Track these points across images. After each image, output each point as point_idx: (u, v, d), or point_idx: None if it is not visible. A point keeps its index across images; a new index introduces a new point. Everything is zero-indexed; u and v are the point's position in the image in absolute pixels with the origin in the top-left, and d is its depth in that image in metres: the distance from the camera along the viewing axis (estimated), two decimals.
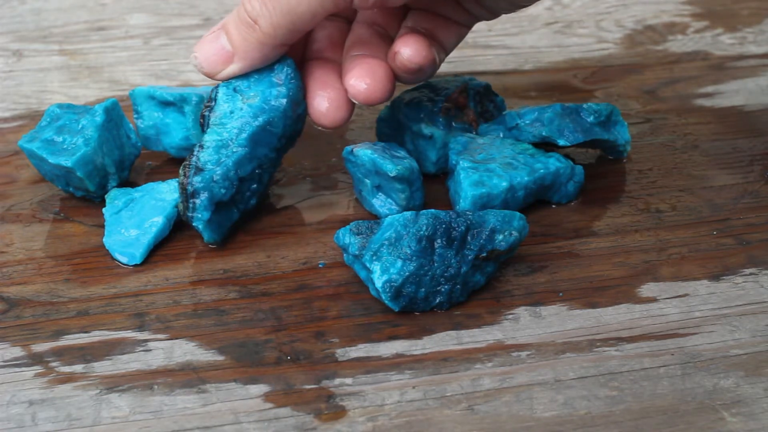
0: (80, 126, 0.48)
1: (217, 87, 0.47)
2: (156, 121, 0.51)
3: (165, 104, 0.51)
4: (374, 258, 0.42)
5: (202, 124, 0.47)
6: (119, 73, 0.61)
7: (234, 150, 0.45)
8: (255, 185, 0.47)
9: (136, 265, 0.46)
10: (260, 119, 0.46)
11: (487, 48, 0.63)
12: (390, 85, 0.47)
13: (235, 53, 0.45)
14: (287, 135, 0.47)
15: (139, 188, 0.48)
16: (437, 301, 0.43)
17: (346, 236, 0.43)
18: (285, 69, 0.46)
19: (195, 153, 0.45)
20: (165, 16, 0.68)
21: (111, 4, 0.69)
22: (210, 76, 0.46)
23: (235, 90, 0.46)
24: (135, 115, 0.51)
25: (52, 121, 0.49)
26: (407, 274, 0.42)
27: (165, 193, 0.48)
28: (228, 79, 0.46)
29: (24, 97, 0.59)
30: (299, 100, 0.47)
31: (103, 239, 0.46)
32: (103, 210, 0.48)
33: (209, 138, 0.46)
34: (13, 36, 0.65)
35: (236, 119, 0.46)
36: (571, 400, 0.39)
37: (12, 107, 0.58)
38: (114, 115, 0.49)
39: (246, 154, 0.46)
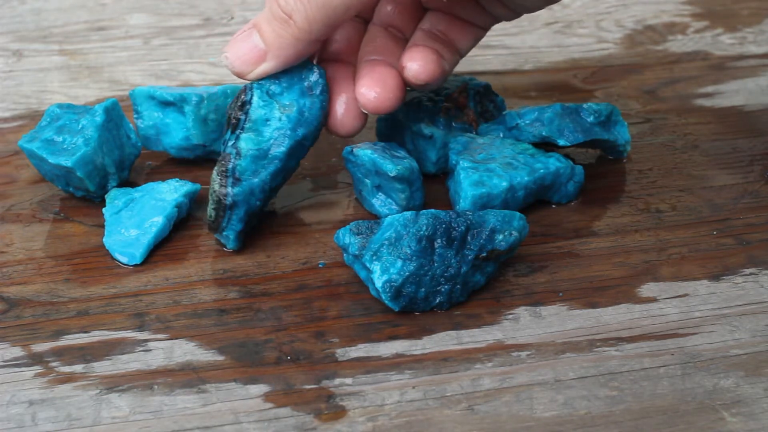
0: (80, 126, 0.48)
1: (250, 88, 0.46)
2: (156, 121, 0.51)
3: (165, 104, 0.51)
4: (374, 258, 0.42)
5: (234, 125, 0.45)
6: (119, 73, 0.61)
7: (271, 161, 0.45)
8: (274, 194, 0.47)
9: (136, 265, 0.46)
10: (298, 133, 0.45)
11: (487, 48, 0.63)
12: (400, 93, 0.47)
13: (268, 51, 0.44)
14: (312, 145, 0.47)
15: (139, 188, 0.48)
16: (437, 301, 0.43)
17: (346, 236, 0.43)
18: (318, 79, 0.46)
19: (232, 160, 0.44)
20: (165, 16, 0.68)
21: (111, 4, 0.69)
22: (241, 76, 0.45)
23: (269, 95, 0.45)
24: (135, 115, 0.51)
25: (52, 121, 0.49)
26: (407, 274, 0.42)
27: (165, 193, 0.48)
28: (259, 79, 0.45)
29: (24, 97, 0.59)
30: (327, 111, 0.47)
31: (103, 239, 0.46)
32: (103, 210, 0.48)
33: (246, 146, 0.45)
34: (13, 36, 0.65)
35: (274, 129, 0.45)
36: (571, 400, 0.39)
37: (12, 107, 0.58)
38: (114, 115, 0.49)
39: (281, 166, 0.45)
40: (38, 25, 0.66)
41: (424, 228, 0.42)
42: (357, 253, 0.43)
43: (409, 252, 0.42)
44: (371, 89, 0.46)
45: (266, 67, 0.45)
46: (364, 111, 0.46)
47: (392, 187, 0.47)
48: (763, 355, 0.41)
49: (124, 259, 0.46)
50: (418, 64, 0.46)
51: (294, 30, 0.43)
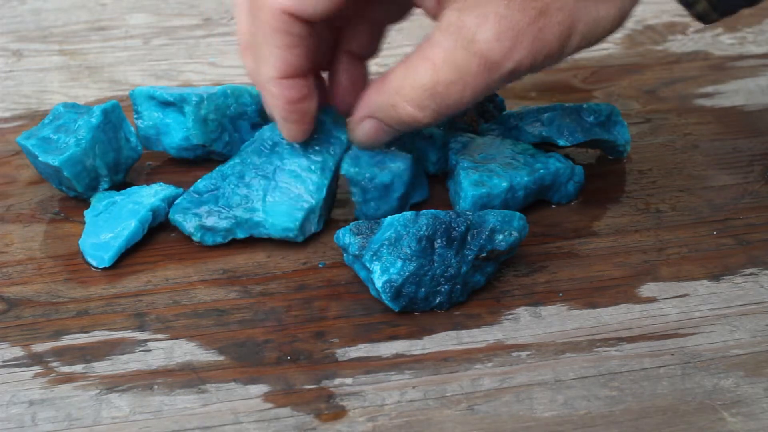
0: (76, 126, 0.48)
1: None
2: (156, 121, 0.51)
3: (165, 104, 0.51)
4: (374, 258, 0.42)
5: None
6: (119, 73, 0.61)
7: None
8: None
9: (105, 268, 0.46)
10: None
11: None
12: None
13: (399, 133, 0.45)
14: None
15: (122, 191, 0.48)
16: (437, 301, 0.43)
17: (346, 236, 0.43)
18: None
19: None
20: (165, 16, 0.68)
21: (111, 4, 0.69)
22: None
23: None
24: (135, 115, 0.51)
25: (54, 120, 0.49)
26: (407, 274, 0.42)
27: (144, 197, 0.48)
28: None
29: (24, 97, 0.59)
30: None
31: (79, 241, 0.46)
32: (85, 212, 0.48)
33: None
34: (13, 36, 0.65)
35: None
36: (571, 400, 0.39)
37: (12, 107, 0.58)
38: (113, 117, 0.49)
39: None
40: (38, 25, 0.66)
41: (424, 228, 0.42)
42: (357, 253, 0.43)
43: (409, 252, 0.42)
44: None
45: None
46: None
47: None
48: (763, 355, 0.41)
49: (93, 262, 0.46)
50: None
51: (423, 125, 0.44)
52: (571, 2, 0.40)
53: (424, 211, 0.43)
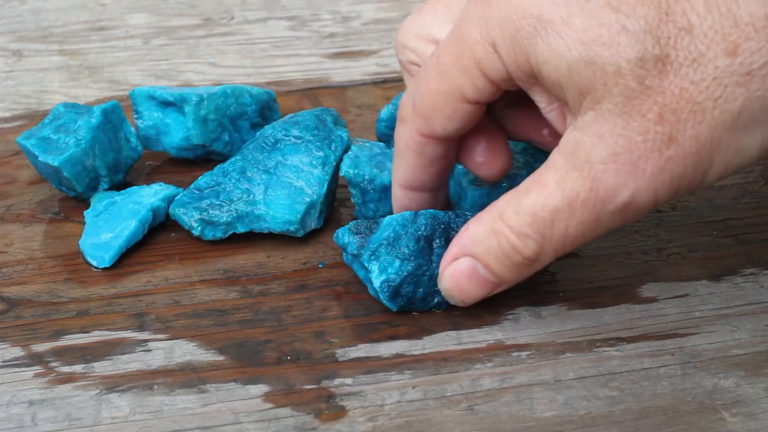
0: (76, 126, 0.48)
1: None
2: (156, 121, 0.51)
3: (165, 104, 0.51)
4: (372, 257, 0.42)
5: None
6: (119, 73, 0.61)
7: None
8: None
9: (105, 269, 0.46)
10: None
11: None
12: (505, 159, 0.44)
13: (502, 283, 0.40)
14: None
15: (122, 191, 0.48)
16: (435, 301, 0.43)
17: (345, 236, 0.43)
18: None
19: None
20: (165, 16, 0.68)
21: (111, 4, 0.69)
22: (464, 304, 0.42)
23: None
24: (135, 115, 0.51)
25: (54, 120, 0.49)
26: (405, 273, 0.42)
27: (144, 197, 0.48)
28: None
29: (24, 97, 0.59)
30: None
31: (79, 241, 0.46)
32: (85, 212, 0.48)
33: None
34: (13, 36, 0.65)
35: None
36: (571, 400, 0.39)
37: (12, 107, 0.58)
38: (113, 117, 0.49)
39: None
40: (38, 25, 0.66)
41: (423, 228, 0.42)
42: (356, 252, 0.43)
43: (407, 252, 0.42)
44: (481, 156, 0.44)
45: (497, 292, 0.41)
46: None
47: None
48: (763, 355, 0.41)
49: (94, 262, 0.46)
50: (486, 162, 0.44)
51: (532, 268, 0.40)
52: (705, 131, 0.35)
53: (422, 210, 0.43)
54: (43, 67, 0.62)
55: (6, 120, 0.57)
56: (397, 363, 0.41)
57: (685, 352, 0.41)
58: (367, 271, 0.42)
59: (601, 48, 0.35)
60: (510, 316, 0.43)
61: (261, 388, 0.40)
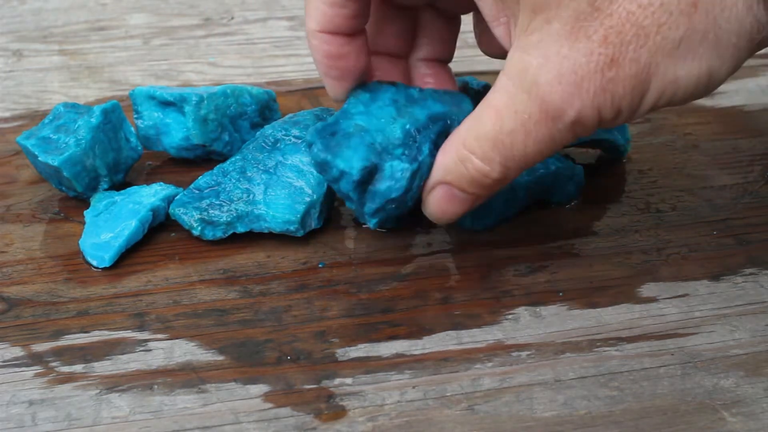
0: (76, 126, 0.48)
1: None
2: (156, 121, 0.51)
3: (165, 104, 0.51)
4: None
5: None
6: (119, 73, 0.61)
7: None
8: None
9: (105, 268, 0.45)
10: None
11: None
12: None
13: (478, 197, 0.42)
14: None
15: (122, 191, 0.48)
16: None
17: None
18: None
19: None
20: (165, 16, 0.68)
21: (111, 4, 0.69)
22: (449, 223, 0.44)
23: None
24: (135, 115, 0.51)
25: (54, 120, 0.49)
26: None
27: (144, 197, 0.48)
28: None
29: (24, 97, 0.59)
30: None
31: (79, 241, 0.46)
32: (85, 212, 0.48)
33: None
34: (13, 36, 0.65)
35: None
36: (571, 400, 0.39)
37: (12, 107, 0.58)
38: (113, 117, 0.49)
39: None
40: (38, 25, 0.66)
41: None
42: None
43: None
44: None
45: (475, 206, 0.43)
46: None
47: None
48: (763, 355, 0.41)
49: (94, 262, 0.46)
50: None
51: (503, 184, 0.41)
52: (646, 55, 0.36)
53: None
54: (43, 67, 0.62)
55: (6, 120, 0.57)
56: (397, 363, 0.41)
57: (685, 352, 0.41)
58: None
59: None
60: (510, 316, 0.43)
61: (261, 388, 0.40)
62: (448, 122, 0.43)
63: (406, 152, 0.42)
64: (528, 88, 0.38)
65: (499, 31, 0.40)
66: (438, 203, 0.42)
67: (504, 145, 0.39)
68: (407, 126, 0.42)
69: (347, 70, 0.44)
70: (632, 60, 0.36)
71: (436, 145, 0.42)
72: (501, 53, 0.43)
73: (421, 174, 0.42)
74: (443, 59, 0.47)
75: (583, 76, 0.37)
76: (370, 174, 0.42)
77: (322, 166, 0.42)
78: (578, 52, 0.37)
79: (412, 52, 0.47)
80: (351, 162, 0.41)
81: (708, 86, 0.38)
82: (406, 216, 0.46)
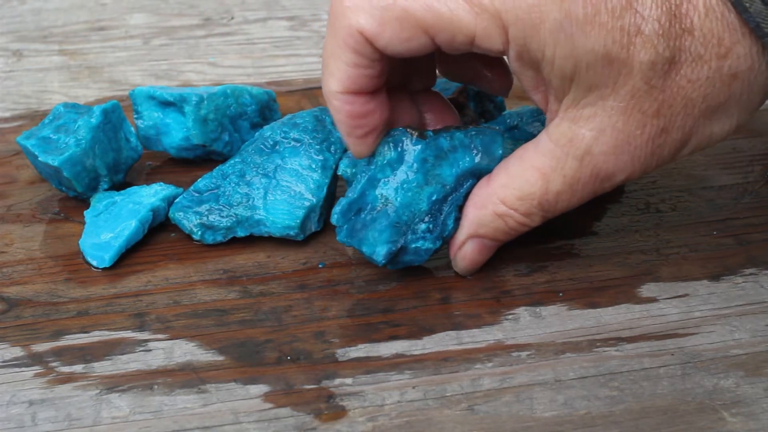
0: (76, 126, 0.48)
1: None
2: (156, 121, 0.51)
3: (165, 104, 0.51)
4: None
5: None
6: (119, 73, 0.61)
7: None
8: None
9: (105, 269, 0.46)
10: None
11: None
12: None
13: (502, 243, 0.45)
14: None
15: (122, 191, 0.48)
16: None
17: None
18: None
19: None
20: (165, 16, 0.68)
21: (111, 4, 0.69)
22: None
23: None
24: (135, 115, 0.51)
25: (54, 120, 0.49)
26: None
27: (144, 197, 0.48)
28: None
29: (24, 97, 0.59)
30: None
31: (79, 241, 0.46)
32: (85, 212, 0.48)
33: None
34: (13, 36, 0.65)
35: None
36: (571, 400, 0.39)
37: (12, 107, 0.58)
38: (113, 117, 0.49)
39: None
40: (38, 25, 0.66)
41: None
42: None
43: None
44: None
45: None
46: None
47: None
48: (763, 355, 0.41)
49: (94, 262, 0.46)
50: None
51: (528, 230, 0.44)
52: (691, 122, 0.40)
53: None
54: (43, 67, 0.62)
55: (6, 120, 0.57)
56: (397, 363, 0.41)
57: (685, 352, 0.41)
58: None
59: (619, 50, 0.38)
60: (510, 316, 0.43)
61: (261, 388, 0.40)
62: (474, 177, 0.43)
63: (431, 226, 0.43)
64: (580, 156, 0.40)
65: (537, 97, 0.42)
66: (470, 257, 0.44)
67: (549, 203, 0.42)
68: (434, 197, 0.43)
69: (372, 128, 0.43)
70: (679, 127, 0.40)
71: (461, 208, 0.43)
72: (462, 79, 0.46)
73: (446, 238, 0.44)
74: (431, 86, 0.47)
75: (636, 146, 0.40)
76: (395, 254, 0.43)
77: (349, 247, 0.44)
78: (633, 126, 0.40)
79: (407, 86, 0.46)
80: (375, 248, 0.43)
81: (732, 134, 0.42)
82: None
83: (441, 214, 0.43)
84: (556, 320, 0.43)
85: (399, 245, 0.43)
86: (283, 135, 0.48)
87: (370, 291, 0.44)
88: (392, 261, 0.43)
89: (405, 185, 0.43)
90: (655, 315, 0.43)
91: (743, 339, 0.42)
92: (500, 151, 0.44)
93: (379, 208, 0.43)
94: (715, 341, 0.42)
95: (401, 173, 0.43)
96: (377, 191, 0.43)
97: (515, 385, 0.40)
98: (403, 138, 0.43)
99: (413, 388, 0.40)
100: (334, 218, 0.43)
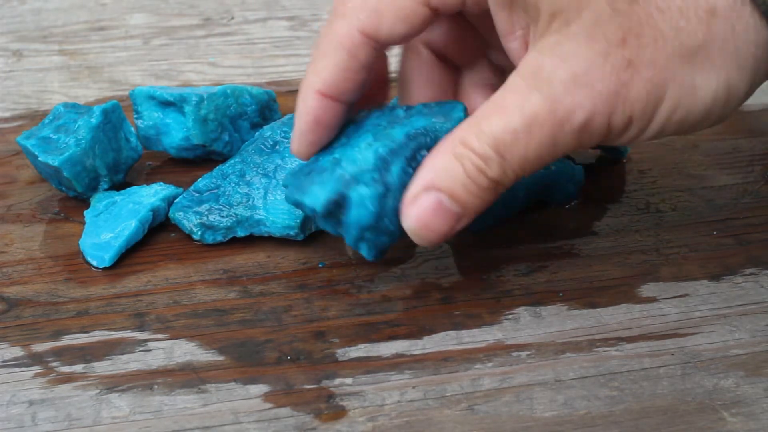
0: (76, 126, 0.48)
1: None
2: (156, 121, 0.51)
3: (165, 104, 0.51)
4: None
5: None
6: (119, 73, 0.61)
7: None
8: None
9: (105, 268, 0.46)
10: None
11: None
12: None
13: (467, 214, 0.39)
14: None
15: (122, 191, 0.48)
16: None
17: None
18: None
19: None
20: (165, 16, 0.68)
21: (111, 4, 0.69)
22: (430, 245, 0.40)
23: None
24: (135, 115, 0.51)
25: (54, 120, 0.49)
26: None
27: (144, 197, 0.48)
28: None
29: (24, 97, 0.59)
30: None
31: (79, 241, 0.46)
32: (85, 212, 0.48)
33: None
34: (13, 36, 0.65)
35: None
36: (571, 400, 0.39)
37: (12, 107, 0.58)
38: (113, 117, 0.49)
39: None
40: (38, 25, 0.66)
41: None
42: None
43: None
44: None
45: (459, 227, 0.39)
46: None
47: None
48: (763, 355, 0.41)
49: (94, 262, 0.46)
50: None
51: (498, 190, 0.38)
52: (663, 59, 0.36)
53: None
54: (43, 67, 0.62)
55: (6, 120, 0.57)
56: (397, 363, 0.41)
57: (685, 352, 0.41)
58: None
59: None
60: (510, 316, 0.43)
61: (261, 388, 0.40)
62: (430, 137, 0.40)
63: (376, 176, 0.39)
64: (540, 86, 0.36)
65: (514, 45, 0.39)
66: (421, 215, 0.38)
67: (505, 143, 0.37)
68: (380, 150, 0.40)
69: (324, 138, 0.41)
70: (649, 63, 0.36)
71: (411, 162, 0.40)
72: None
73: (394, 194, 0.39)
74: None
75: (598, 77, 0.36)
76: (337, 205, 0.40)
77: (297, 206, 0.41)
78: (595, 53, 0.36)
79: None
80: (317, 197, 0.40)
81: (726, 103, 0.37)
82: None
83: (388, 167, 0.40)
84: (556, 320, 0.43)
85: (340, 194, 0.39)
86: (283, 135, 0.48)
87: (370, 291, 0.44)
88: (357, 236, 0.40)
89: (354, 144, 0.41)
90: (655, 315, 0.43)
91: (743, 339, 0.42)
92: (462, 114, 0.41)
93: (327, 167, 0.40)
94: (715, 341, 0.42)
95: (353, 138, 0.41)
96: (330, 156, 0.41)
97: (515, 385, 0.40)
98: (367, 112, 0.42)
99: (413, 388, 0.40)
100: (284, 180, 0.41)
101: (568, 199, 0.50)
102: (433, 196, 0.38)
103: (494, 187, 0.38)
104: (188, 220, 0.46)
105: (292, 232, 0.46)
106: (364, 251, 0.41)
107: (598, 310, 0.44)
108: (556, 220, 0.49)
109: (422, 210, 0.38)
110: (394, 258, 0.46)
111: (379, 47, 0.40)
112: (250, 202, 0.46)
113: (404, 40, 0.40)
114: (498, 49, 0.42)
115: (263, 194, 0.47)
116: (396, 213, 0.39)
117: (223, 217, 0.46)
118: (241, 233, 0.47)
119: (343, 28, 0.40)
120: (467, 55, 0.44)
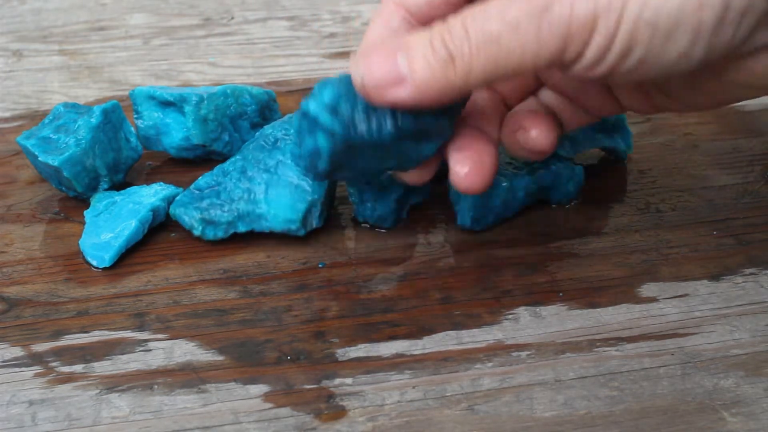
0: (76, 126, 0.48)
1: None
2: (156, 121, 0.51)
3: (165, 104, 0.51)
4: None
5: None
6: (119, 73, 0.61)
7: None
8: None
9: (105, 268, 0.46)
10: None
11: None
12: (492, 172, 0.40)
13: (409, 81, 0.36)
14: None
15: (122, 191, 0.48)
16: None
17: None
18: None
19: None
20: (165, 16, 0.68)
21: (111, 4, 0.69)
22: (369, 96, 0.37)
23: None
24: (135, 115, 0.51)
25: (54, 120, 0.49)
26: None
27: (144, 197, 0.48)
28: (392, 104, 0.37)
29: (24, 97, 0.59)
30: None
31: (79, 241, 0.46)
32: (85, 212, 0.48)
33: None
34: (13, 36, 0.65)
35: None
36: (571, 400, 0.39)
37: (12, 107, 0.58)
38: (113, 117, 0.49)
39: None
40: (38, 25, 0.66)
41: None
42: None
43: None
44: (466, 165, 0.40)
45: (400, 95, 0.36)
46: (458, 189, 0.41)
47: None
48: (763, 355, 0.41)
49: (94, 262, 0.46)
50: (540, 132, 0.41)
51: (449, 73, 0.36)
52: None
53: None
54: (43, 67, 0.62)
55: (6, 120, 0.57)
56: (397, 363, 0.41)
57: (685, 352, 0.41)
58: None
59: None
60: (510, 316, 0.43)
61: (261, 388, 0.40)
62: None
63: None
64: None
65: None
66: (373, 57, 0.37)
67: (472, 17, 0.35)
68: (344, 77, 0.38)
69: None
70: None
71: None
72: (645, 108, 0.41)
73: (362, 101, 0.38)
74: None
75: None
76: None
77: (305, 117, 0.40)
78: None
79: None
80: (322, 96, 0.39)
81: (700, 5, 0.33)
82: (405, 217, 0.46)
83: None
84: (556, 320, 0.43)
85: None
86: (284, 132, 0.48)
87: (370, 291, 0.44)
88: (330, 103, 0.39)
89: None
90: (655, 315, 0.43)
91: (743, 339, 0.42)
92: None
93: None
94: (715, 341, 0.42)
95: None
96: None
97: (515, 385, 0.40)
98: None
99: (413, 388, 0.40)
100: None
101: (568, 199, 0.50)
102: (392, 47, 0.37)
103: (449, 62, 0.36)
104: (189, 216, 0.46)
105: (293, 226, 0.46)
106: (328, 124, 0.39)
107: (598, 310, 0.44)
108: (556, 220, 0.49)
109: (378, 53, 0.37)
110: (394, 258, 0.46)
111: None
112: (251, 197, 0.47)
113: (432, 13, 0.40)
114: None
115: (264, 189, 0.47)
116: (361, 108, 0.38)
117: (224, 212, 0.46)
118: (242, 228, 0.47)
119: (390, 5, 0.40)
120: None
